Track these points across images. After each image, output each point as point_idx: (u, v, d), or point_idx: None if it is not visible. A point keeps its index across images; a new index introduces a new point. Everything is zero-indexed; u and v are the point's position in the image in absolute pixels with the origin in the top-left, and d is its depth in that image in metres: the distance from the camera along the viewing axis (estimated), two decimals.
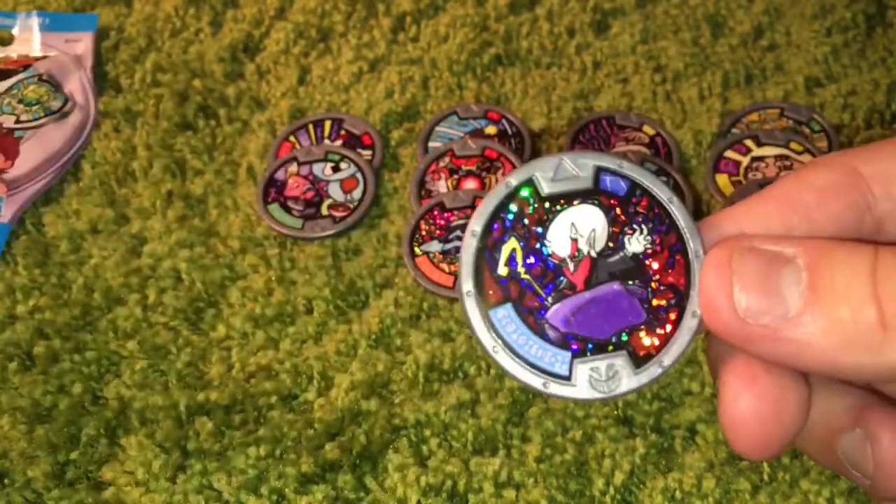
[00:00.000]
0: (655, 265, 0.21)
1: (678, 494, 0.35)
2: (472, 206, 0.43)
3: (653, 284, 0.21)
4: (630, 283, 0.21)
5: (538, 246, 0.21)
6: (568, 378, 0.20)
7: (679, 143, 0.46)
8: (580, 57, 0.50)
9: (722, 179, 0.45)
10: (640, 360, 0.21)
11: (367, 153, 0.47)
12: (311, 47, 0.51)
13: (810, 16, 0.51)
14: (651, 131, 0.47)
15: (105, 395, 0.38)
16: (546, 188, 0.21)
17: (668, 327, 0.21)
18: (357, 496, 0.35)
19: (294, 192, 0.45)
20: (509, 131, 0.47)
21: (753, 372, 0.20)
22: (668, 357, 0.21)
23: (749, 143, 0.46)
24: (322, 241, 0.43)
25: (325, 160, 0.46)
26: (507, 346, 0.21)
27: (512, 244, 0.21)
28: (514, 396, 0.37)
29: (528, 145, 0.46)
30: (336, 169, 0.46)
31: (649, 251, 0.21)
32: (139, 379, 0.38)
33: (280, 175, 0.46)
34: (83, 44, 0.51)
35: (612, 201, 0.21)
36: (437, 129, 0.47)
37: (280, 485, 0.35)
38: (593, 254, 0.21)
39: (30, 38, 0.51)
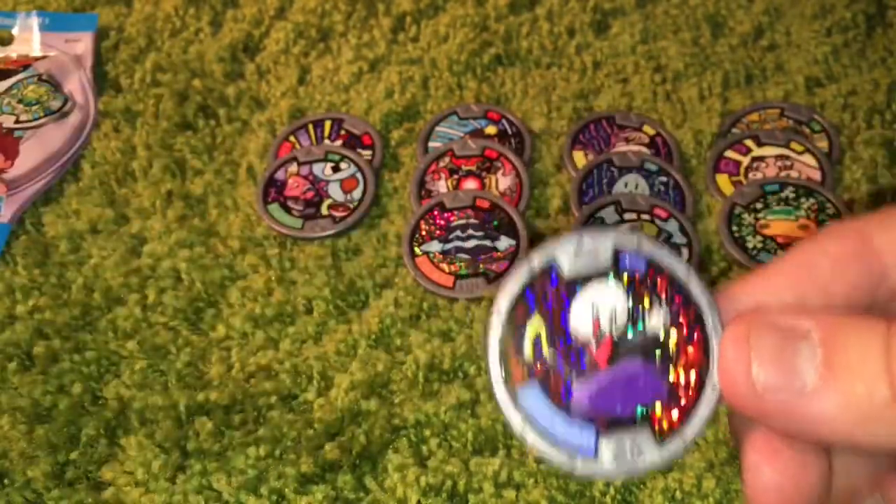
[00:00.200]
0: (675, 340, 0.21)
1: (678, 495, 0.35)
2: (472, 206, 0.43)
3: (673, 359, 0.21)
4: (651, 359, 0.21)
5: (561, 326, 0.22)
6: (594, 455, 0.21)
7: (679, 142, 0.46)
8: (580, 57, 0.50)
9: (722, 179, 0.45)
10: (663, 433, 0.21)
11: (367, 153, 0.47)
12: (311, 47, 0.51)
13: (810, 16, 0.51)
14: (651, 131, 0.47)
15: (105, 395, 0.38)
16: (567, 268, 0.22)
17: (689, 401, 0.21)
18: (357, 496, 0.35)
19: (294, 192, 0.45)
20: (509, 131, 0.47)
21: (774, 446, 0.21)
22: (691, 430, 0.21)
23: (749, 142, 0.46)
24: (322, 241, 0.43)
25: (325, 160, 0.46)
26: (535, 425, 0.21)
27: (536, 324, 0.22)
28: None
29: (528, 145, 0.46)
30: (336, 169, 0.46)
31: (669, 327, 0.22)
32: (139, 379, 0.38)
33: (280, 175, 0.46)
34: (83, 44, 0.51)
35: (631, 279, 0.22)
36: (437, 129, 0.47)
37: (280, 485, 0.35)
38: (615, 332, 0.21)
39: (30, 38, 0.51)
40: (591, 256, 0.22)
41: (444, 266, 0.42)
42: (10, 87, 0.49)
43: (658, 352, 0.21)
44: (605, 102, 0.48)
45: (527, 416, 0.21)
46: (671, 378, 0.21)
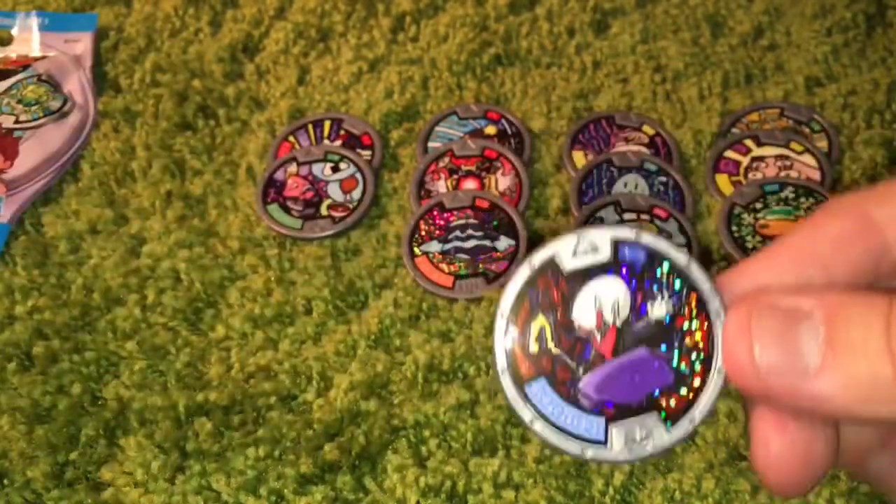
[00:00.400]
0: (679, 328, 0.22)
1: (677, 495, 0.35)
2: (472, 207, 0.43)
3: (677, 346, 0.22)
4: (656, 346, 0.22)
5: (565, 320, 0.22)
6: (604, 442, 0.22)
7: (679, 142, 0.46)
8: (580, 57, 0.50)
9: (722, 179, 0.45)
10: (671, 418, 0.22)
11: (366, 153, 0.47)
12: (310, 47, 0.51)
13: (810, 15, 0.51)
14: (651, 131, 0.47)
15: (104, 395, 0.38)
16: (567, 265, 0.22)
17: (696, 385, 0.22)
18: (356, 497, 0.35)
19: (293, 193, 0.45)
20: (509, 131, 0.47)
21: (782, 419, 0.21)
22: (698, 413, 0.22)
23: (749, 142, 0.46)
24: (321, 241, 0.43)
25: (325, 160, 0.46)
26: (544, 418, 0.22)
27: (540, 321, 0.22)
28: None
29: (527, 145, 0.46)
30: (335, 169, 0.46)
31: (672, 315, 0.22)
32: (138, 379, 0.38)
33: (279, 175, 0.46)
34: (82, 44, 0.51)
35: (632, 270, 0.22)
36: (437, 129, 0.47)
37: (279, 485, 0.35)
38: (618, 323, 0.22)
39: (29, 39, 0.51)
40: (590, 251, 0.22)
41: (444, 266, 0.42)
42: (10, 88, 0.49)
43: (662, 339, 0.22)
44: (605, 102, 0.48)
45: (536, 410, 0.22)
46: (676, 364, 0.22)
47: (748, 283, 0.21)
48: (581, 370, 0.22)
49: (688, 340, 0.22)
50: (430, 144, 0.47)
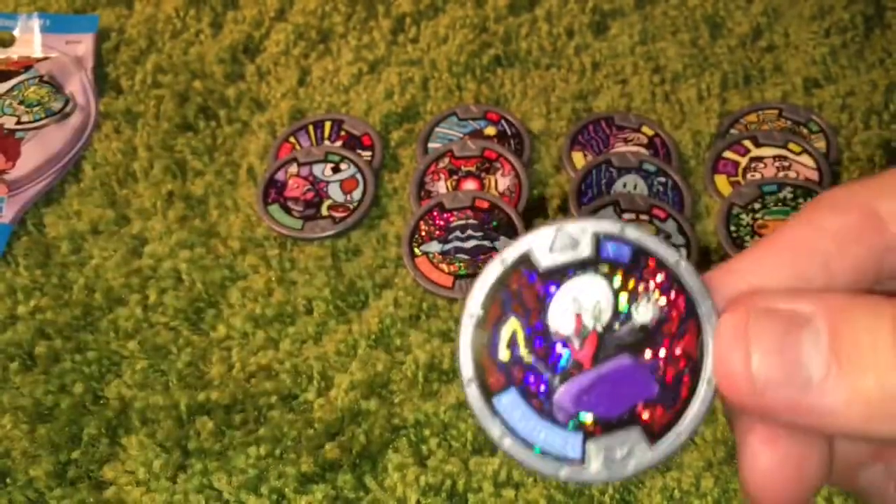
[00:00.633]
0: (665, 333, 0.20)
1: (677, 493, 0.35)
2: (472, 207, 0.44)
3: (663, 354, 0.20)
4: (640, 354, 0.20)
5: (540, 325, 0.20)
6: (581, 461, 0.19)
7: (678, 143, 0.47)
8: (579, 58, 0.50)
9: (720, 180, 0.45)
10: (654, 434, 0.19)
11: (366, 154, 0.47)
12: (311, 48, 0.51)
13: (809, 17, 0.51)
14: (650, 132, 0.47)
15: (106, 394, 0.38)
16: (543, 261, 0.20)
17: (682, 398, 0.20)
18: (357, 496, 0.36)
19: (294, 193, 0.45)
20: (508, 132, 0.47)
21: (772, 432, 0.19)
22: (684, 429, 0.20)
23: (747, 143, 0.46)
24: (322, 241, 0.44)
25: (325, 161, 0.46)
26: (515, 434, 0.20)
27: (512, 325, 0.20)
28: None
29: (527, 146, 0.47)
30: (336, 170, 0.46)
31: (658, 319, 0.20)
32: (140, 379, 0.39)
33: (280, 176, 0.46)
34: (84, 45, 0.51)
35: (615, 268, 0.20)
36: (437, 129, 0.48)
37: (280, 484, 0.35)
38: (599, 328, 0.20)
39: (31, 40, 0.51)
40: (570, 246, 0.20)
41: (444, 266, 0.42)
42: (12, 89, 0.49)
43: (647, 346, 0.20)
44: (604, 103, 0.48)
45: (506, 424, 0.20)
46: (663, 374, 0.20)
47: (740, 282, 0.19)
48: (557, 380, 0.19)
49: (675, 348, 0.20)
50: (430, 145, 0.47)
